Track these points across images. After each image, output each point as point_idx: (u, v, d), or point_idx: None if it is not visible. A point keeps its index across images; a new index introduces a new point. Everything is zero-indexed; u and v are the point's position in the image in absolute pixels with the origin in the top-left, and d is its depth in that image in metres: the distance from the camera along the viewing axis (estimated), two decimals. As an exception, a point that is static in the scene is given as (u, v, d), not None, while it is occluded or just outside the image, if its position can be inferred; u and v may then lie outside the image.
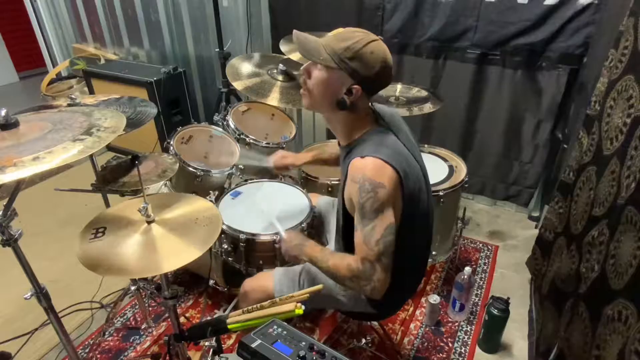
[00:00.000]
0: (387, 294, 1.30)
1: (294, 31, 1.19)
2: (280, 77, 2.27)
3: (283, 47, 2.22)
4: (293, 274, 1.43)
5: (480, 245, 2.58)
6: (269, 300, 1.07)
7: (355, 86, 1.10)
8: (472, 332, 2.00)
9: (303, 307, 1.01)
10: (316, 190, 2.00)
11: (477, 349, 1.92)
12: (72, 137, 0.98)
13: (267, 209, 1.76)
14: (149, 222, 1.11)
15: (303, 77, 1.18)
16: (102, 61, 3.83)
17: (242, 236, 1.66)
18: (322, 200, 1.82)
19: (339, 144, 1.32)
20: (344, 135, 1.23)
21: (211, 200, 1.67)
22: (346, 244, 1.29)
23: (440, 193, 1.87)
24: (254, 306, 1.08)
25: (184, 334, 1.22)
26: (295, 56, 2.17)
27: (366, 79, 1.10)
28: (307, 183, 2.09)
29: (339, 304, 1.39)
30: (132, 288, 1.82)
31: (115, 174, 1.59)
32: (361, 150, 1.13)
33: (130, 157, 1.66)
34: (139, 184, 1.50)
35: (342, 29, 1.14)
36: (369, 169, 1.08)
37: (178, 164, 1.71)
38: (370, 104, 1.21)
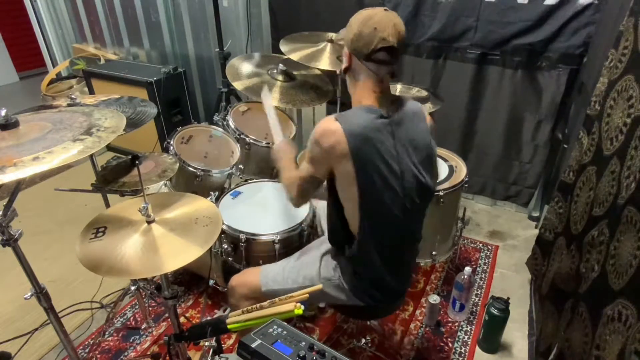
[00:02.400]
0: (365, 286, 1.33)
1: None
2: (280, 77, 2.27)
3: (283, 47, 2.22)
4: (278, 269, 1.46)
5: (480, 245, 2.58)
6: (269, 301, 1.07)
7: (345, 50, 1.20)
8: (472, 332, 2.00)
9: (302, 307, 1.01)
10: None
11: (477, 349, 1.92)
12: (72, 137, 0.98)
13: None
14: (149, 222, 1.11)
15: None
16: (102, 61, 3.83)
17: (242, 236, 1.67)
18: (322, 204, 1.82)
19: None
20: (352, 104, 1.28)
21: (211, 200, 1.67)
22: (336, 212, 1.30)
23: (440, 193, 1.87)
24: (254, 306, 1.08)
25: (184, 334, 1.22)
26: (296, 56, 2.17)
27: (351, 42, 1.17)
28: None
29: (324, 295, 1.39)
30: (132, 288, 1.81)
31: (115, 174, 1.59)
32: (341, 113, 1.20)
33: (130, 157, 1.66)
34: (139, 184, 1.50)
35: None
36: (320, 128, 1.17)
37: (178, 164, 1.71)
38: (381, 83, 1.20)
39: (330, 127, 1.15)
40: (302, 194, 1.33)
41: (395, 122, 1.20)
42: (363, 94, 1.22)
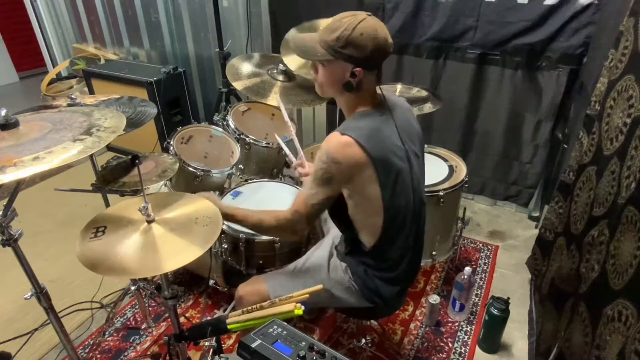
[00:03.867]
0: (375, 284, 1.33)
1: (291, 36, 1.24)
2: (280, 77, 2.27)
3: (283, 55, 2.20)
4: (285, 275, 1.45)
5: (480, 245, 2.58)
6: (269, 301, 1.07)
7: (357, 69, 1.16)
8: (472, 332, 2.00)
9: (303, 307, 1.01)
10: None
11: (477, 349, 1.92)
12: (72, 137, 0.98)
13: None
14: (149, 222, 1.11)
15: (312, 72, 1.27)
16: (102, 61, 3.83)
17: (242, 236, 1.67)
18: None
19: None
20: (347, 112, 1.30)
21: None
22: (339, 220, 1.34)
23: (440, 193, 1.87)
24: (254, 306, 1.08)
25: (184, 334, 1.22)
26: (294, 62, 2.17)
27: (364, 60, 1.15)
28: (307, 183, 2.09)
29: (334, 298, 1.39)
30: (132, 288, 1.81)
31: (115, 174, 1.59)
32: (343, 126, 1.20)
33: (130, 157, 1.66)
34: (139, 184, 1.50)
35: (332, 19, 1.18)
36: (333, 144, 1.16)
37: (178, 164, 1.71)
38: (377, 86, 1.24)
39: (342, 141, 1.15)
40: (311, 221, 1.28)
41: (391, 112, 1.24)
42: (361, 100, 1.24)
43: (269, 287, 1.41)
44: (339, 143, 1.15)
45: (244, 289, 1.47)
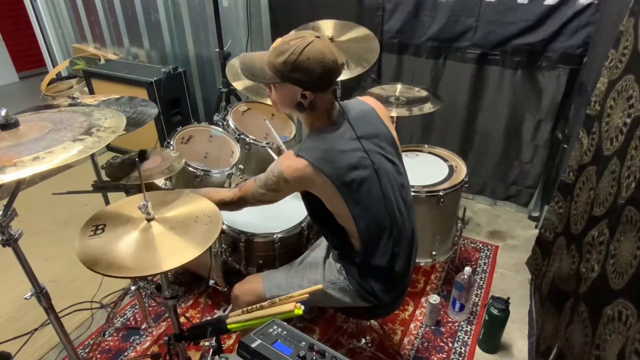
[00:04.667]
0: (370, 285, 1.34)
1: (241, 55, 1.28)
2: (280, 77, 2.26)
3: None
4: (281, 274, 1.46)
5: (480, 245, 2.58)
6: (269, 301, 1.07)
7: (306, 92, 1.16)
8: (472, 332, 2.00)
9: (303, 307, 1.01)
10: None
11: (477, 349, 1.92)
12: (72, 137, 0.98)
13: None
14: (148, 220, 1.11)
15: (266, 89, 1.28)
16: (102, 61, 3.83)
17: (241, 236, 1.67)
18: None
19: None
20: (306, 129, 1.32)
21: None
22: (322, 226, 1.36)
23: (440, 193, 1.87)
24: (254, 306, 1.08)
25: (184, 334, 1.22)
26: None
27: (312, 83, 1.15)
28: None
29: (329, 298, 1.40)
30: (132, 288, 1.81)
31: (123, 170, 1.57)
32: (299, 146, 1.22)
33: (138, 152, 1.64)
34: (147, 179, 1.49)
35: (280, 40, 1.18)
36: (286, 164, 1.19)
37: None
38: (335, 99, 1.25)
39: (294, 163, 1.17)
40: (254, 205, 1.36)
41: (351, 123, 1.24)
42: (319, 118, 1.24)
43: (265, 287, 1.42)
44: (291, 165, 1.18)
45: (239, 288, 1.48)
